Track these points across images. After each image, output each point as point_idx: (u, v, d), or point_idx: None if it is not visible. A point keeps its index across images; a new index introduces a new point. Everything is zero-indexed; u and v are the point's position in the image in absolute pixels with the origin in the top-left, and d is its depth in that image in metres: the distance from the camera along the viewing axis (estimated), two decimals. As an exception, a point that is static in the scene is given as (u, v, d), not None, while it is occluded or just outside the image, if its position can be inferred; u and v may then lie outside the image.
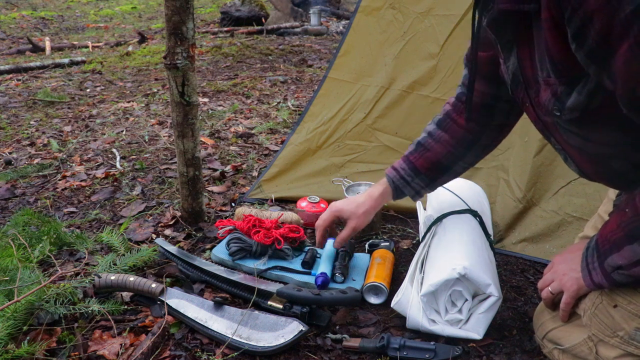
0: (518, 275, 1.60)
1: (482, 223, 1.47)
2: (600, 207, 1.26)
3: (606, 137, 0.91)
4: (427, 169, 1.35)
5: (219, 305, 1.37)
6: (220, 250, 1.65)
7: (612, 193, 1.21)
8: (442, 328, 1.28)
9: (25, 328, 1.27)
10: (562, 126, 0.93)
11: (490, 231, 1.54)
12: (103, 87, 4.22)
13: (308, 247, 1.68)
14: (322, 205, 1.88)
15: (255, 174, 2.37)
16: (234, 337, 1.27)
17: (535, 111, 1.00)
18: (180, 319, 1.36)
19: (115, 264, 1.54)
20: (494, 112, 1.25)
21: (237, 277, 1.49)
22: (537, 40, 0.86)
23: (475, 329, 1.27)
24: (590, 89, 0.82)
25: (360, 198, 1.43)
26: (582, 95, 0.83)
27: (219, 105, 3.56)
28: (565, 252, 1.14)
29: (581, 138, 0.94)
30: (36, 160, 2.60)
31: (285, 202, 2.04)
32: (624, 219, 0.91)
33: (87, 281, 1.42)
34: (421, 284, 1.33)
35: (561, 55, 0.81)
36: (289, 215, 1.79)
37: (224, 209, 2.03)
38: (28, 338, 1.25)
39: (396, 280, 1.53)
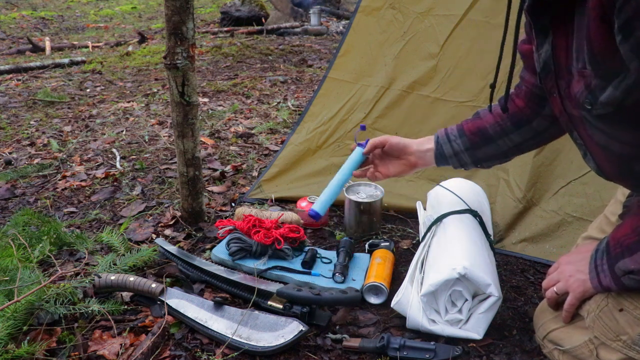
0: (518, 275, 1.60)
1: (482, 223, 1.47)
2: (607, 207, 1.25)
3: (634, 138, 0.89)
4: (472, 133, 1.30)
5: (219, 305, 1.37)
6: (220, 250, 1.65)
7: (621, 195, 1.20)
8: (442, 328, 1.28)
9: (25, 328, 1.27)
10: (589, 121, 0.91)
11: (490, 231, 1.54)
12: (103, 87, 4.22)
13: (308, 247, 1.68)
14: (322, 205, 1.88)
15: (255, 174, 2.37)
16: (234, 337, 1.27)
17: (562, 103, 0.98)
18: (180, 319, 1.36)
19: (115, 264, 1.54)
20: (542, 102, 1.20)
21: (237, 277, 1.49)
22: (578, 29, 0.84)
23: (475, 329, 1.27)
24: (628, 84, 0.79)
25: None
26: (618, 91, 0.81)
27: (219, 105, 3.56)
28: (573, 253, 1.13)
29: (607, 136, 0.92)
30: (36, 160, 2.60)
31: (285, 202, 2.04)
32: None
33: (87, 281, 1.42)
34: (421, 284, 1.33)
35: (602, 46, 0.79)
36: (289, 215, 1.80)
37: (224, 209, 2.03)
38: (28, 338, 1.25)
39: (396, 280, 1.53)
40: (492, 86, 1.18)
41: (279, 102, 3.60)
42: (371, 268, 1.53)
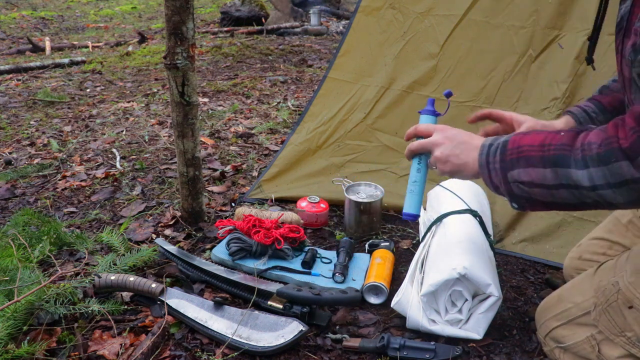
0: (518, 275, 1.60)
1: (482, 223, 1.47)
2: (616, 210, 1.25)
3: None
4: (614, 108, 1.22)
5: (219, 305, 1.37)
6: (220, 250, 1.65)
7: None
8: (442, 328, 1.28)
9: (25, 328, 1.27)
10: (635, 83, 0.92)
11: (490, 231, 1.54)
12: (103, 87, 4.22)
13: (308, 247, 1.68)
14: (322, 205, 1.88)
15: (255, 174, 2.37)
16: (234, 337, 1.27)
17: (620, 63, 0.99)
18: (180, 319, 1.36)
19: (115, 264, 1.54)
20: None
21: (237, 277, 1.49)
22: None
23: (475, 329, 1.27)
24: None
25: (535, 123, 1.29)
26: None
27: (219, 105, 3.56)
28: (455, 130, 1.08)
29: None
30: (36, 160, 2.60)
31: (285, 202, 2.04)
32: (552, 142, 0.88)
33: (87, 281, 1.42)
34: (421, 284, 1.33)
35: None
36: (289, 215, 1.80)
37: (224, 209, 2.03)
38: (28, 338, 1.25)
39: (396, 280, 1.53)
40: (590, 39, 1.18)
41: (279, 102, 3.60)
42: (371, 268, 1.53)
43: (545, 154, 0.88)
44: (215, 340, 1.30)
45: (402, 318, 1.34)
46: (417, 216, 1.19)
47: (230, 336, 1.28)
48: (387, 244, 1.67)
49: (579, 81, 1.70)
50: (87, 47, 6.19)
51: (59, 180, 2.37)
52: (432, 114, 1.21)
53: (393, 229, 1.87)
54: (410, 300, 1.31)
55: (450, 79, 1.95)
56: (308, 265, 1.57)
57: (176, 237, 1.82)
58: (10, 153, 2.73)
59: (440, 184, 1.69)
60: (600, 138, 0.81)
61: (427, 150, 1.10)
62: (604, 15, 1.12)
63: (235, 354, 1.25)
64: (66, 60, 5.10)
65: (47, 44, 6.06)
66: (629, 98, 0.99)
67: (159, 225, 1.90)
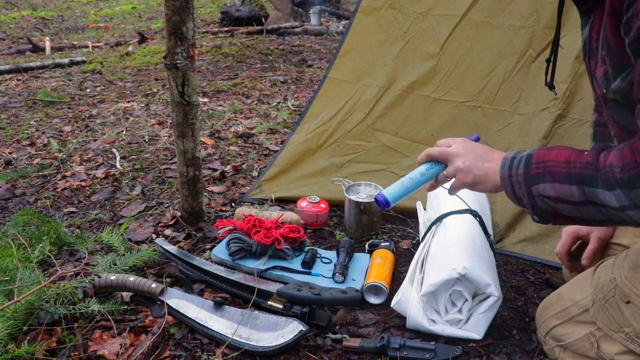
0: (518, 275, 1.60)
1: (482, 223, 1.47)
2: None
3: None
4: None
5: (219, 305, 1.37)
6: (220, 250, 1.65)
7: None
8: (442, 328, 1.28)
9: (25, 328, 1.27)
10: (610, 101, 0.96)
11: (490, 231, 1.54)
12: (103, 87, 4.22)
13: (308, 247, 1.68)
14: (322, 205, 1.88)
15: (255, 174, 2.37)
16: (234, 337, 1.27)
17: (592, 82, 1.03)
18: (180, 319, 1.36)
19: (115, 264, 1.54)
20: None
21: (237, 277, 1.49)
22: (604, 20, 0.89)
23: (475, 329, 1.27)
24: (632, 78, 0.85)
25: None
26: (625, 83, 0.88)
27: (219, 105, 3.56)
28: (474, 143, 1.11)
29: (622, 117, 0.96)
30: (36, 160, 2.60)
31: (285, 202, 2.04)
32: (578, 160, 0.90)
33: (87, 281, 1.42)
34: (421, 284, 1.33)
35: (614, 40, 0.85)
36: (289, 215, 1.80)
37: (224, 209, 2.03)
38: (28, 338, 1.25)
39: (396, 280, 1.53)
40: (548, 61, 1.22)
41: (279, 102, 3.60)
42: (371, 268, 1.53)
43: (572, 171, 0.90)
44: (215, 340, 1.30)
45: (402, 318, 1.34)
46: (388, 204, 1.15)
47: (230, 336, 1.28)
48: (387, 244, 1.67)
49: (579, 81, 1.70)
50: (87, 47, 6.19)
51: (59, 180, 2.37)
52: None
53: (393, 229, 1.87)
54: (410, 300, 1.31)
55: (450, 79, 1.95)
56: (308, 265, 1.57)
57: (176, 237, 1.82)
58: (10, 153, 2.73)
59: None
60: (621, 162, 0.83)
61: (445, 159, 1.11)
62: (558, 39, 1.16)
63: (235, 354, 1.25)
64: (66, 60, 5.10)
65: (47, 44, 6.06)
66: (607, 113, 1.03)
67: (159, 225, 1.90)
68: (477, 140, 1.16)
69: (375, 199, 1.18)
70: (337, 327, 1.36)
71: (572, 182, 0.89)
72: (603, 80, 0.93)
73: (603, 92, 0.94)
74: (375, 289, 1.45)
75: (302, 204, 1.89)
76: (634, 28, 0.78)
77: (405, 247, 1.75)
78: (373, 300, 1.46)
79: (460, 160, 1.06)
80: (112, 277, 1.43)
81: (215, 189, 2.21)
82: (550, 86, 1.24)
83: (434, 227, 1.51)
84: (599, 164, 0.86)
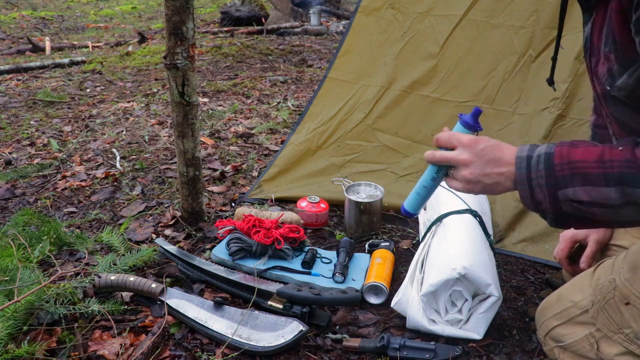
0: (518, 275, 1.60)
1: (482, 223, 1.48)
2: None
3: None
4: None
5: (219, 305, 1.37)
6: (220, 250, 1.65)
7: None
8: (442, 328, 1.28)
9: (25, 328, 1.27)
10: (611, 99, 0.93)
11: (490, 231, 1.54)
12: (103, 87, 4.22)
13: (308, 247, 1.68)
14: (322, 205, 1.88)
15: (255, 174, 2.37)
16: (234, 337, 1.27)
17: (592, 80, 1.01)
18: (180, 319, 1.36)
19: (115, 264, 1.54)
20: None
21: (237, 277, 1.49)
22: (609, 16, 0.88)
23: (475, 329, 1.27)
24: (639, 74, 0.83)
25: None
26: (632, 79, 0.85)
27: (219, 105, 3.56)
28: (483, 143, 0.95)
29: (624, 115, 0.94)
30: (36, 160, 2.60)
31: (285, 202, 2.04)
32: (614, 158, 0.83)
33: (87, 281, 1.42)
34: (421, 284, 1.33)
35: (622, 36, 0.84)
36: (289, 215, 1.80)
37: (224, 209, 2.03)
38: (28, 338, 1.25)
39: (396, 280, 1.53)
40: (554, 59, 1.20)
41: (279, 102, 3.60)
42: (371, 268, 1.53)
43: (608, 170, 0.83)
44: (215, 340, 1.30)
45: (402, 318, 1.34)
46: (413, 215, 1.12)
47: (230, 336, 1.28)
48: (387, 244, 1.67)
49: (579, 81, 1.70)
50: (87, 47, 6.19)
51: (59, 180, 2.37)
52: (469, 128, 1.01)
53: (393, 229, 1.87)
54: (410, 300, 1.31)
55: (450, 79, 1.95)
56: (308, 265, 1.57)
57: (176, 237, 1.82)
58: (10, 153, 2.73)
59: (440, 184, 1.69)
60: None
61: (451, 164, 0.99)
62: (560, 36, 1.15)
63: (235, 354, 1.25)
64: (66, 60, 5.09)
65: (47, 44, 6.06)
66: (606, 111, 1.02)
67: (159, 225, 1.90)
68: (478, 113, 1.00)
69: (402, 212, 1.13)
70: (337, 327, 1.36)
71: (610, 184, 0.82)
72: (607, 77, 0.91)
73: (606, 88, 0.92)
74: (375, 289, 1.45)
75: (302, 204, 1.89)
76: None
77: (405, 247, 1.75)
78: (373, 300, 1.46)
79: (468, 170, 0.95)
80: (112, 277, 1.43)
81: (215, 189, 2.21)
82: (550, 82, 1.22)
83: (434, 227, 1.51)
84: (638, 161, 0.80)
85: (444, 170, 1.02)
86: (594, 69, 0.98)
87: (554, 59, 1.21)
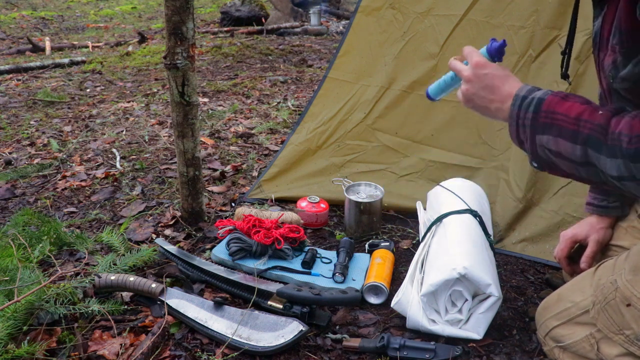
0: (518, 275, 1.60)
1: (482, 223, 1.47)
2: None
3: None
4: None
5: (219, 305, 1.37)
6: (220, 250, 1.65)
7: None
8: (442, 328, 1.28)
9: (25, 328, 1.27)
10: (616, 94, 0.95)
11: (490, 231, 1.54)
12: (103, 87, 4.22)
13: (308, 247, 1.68)
14: (322, 205, 1.88)
15: (255, 174, 2.37)
16: (234, 337, 1.27)
17: (599, 75, 1.03)
18: (180, 319, 1.36)
19: (115, 264, 1.54)
20: None
21: (237, 277, 1.49)
22: (619, 7, 0.89)
23: (475, 329, 1.27)
24: None
25: (592, 219, 1.31)
26: (636, 68, 0.87)
27: (219, 105, 3.56)
28: (489, 69, 1.02)
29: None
30: (36, 160, 2.60)
31: (285, 202, 2.04)
32: (589, 120, 0.85)
33: (87, 281, 1.42)
34: (421, 284, 1.33)
35: (628, 26, 0.85)
36: (289, 215, 1.80)
37: (224, 209, 2.03)
38: (28, 338, 1.25)
39: (396, 280, 1.53)
40: (563, 53, 1.21)
41: (279, 102, 3.60)
42: (371, 268, 1.53)
43: (580, 129, 0.85)
44: (215, 340, 1.30)
45: (402, 318, 1.34)
46: (433, 99, 1.24)
47: (230, 336, 1.28)
48: (387, 244, 1.67)
49: (579, 81, 1.70)
50: (87, 47, 6.19)
51: (59, 180, 2.37)
52: (490, 55, 1.07)
53: (393, 229, 1.87)
54: (410, 300, 1.31)
55: (450, 79, 1.95)
56: (308, 265, 1.57)
57: (176, 237, 1.82)
58: (10, 153, 2.73)
59: (440, 184, 1.69)
60: (631, 132, 0.79)
61: (457, 75, 1.10)
62: (574, 32, 1.16)
63: (235, 354, 1.25)
64: (66, 60, 5.09)
65: (47, 44, 6.06)
66: None
67: (159, 225, 1.90)
68: (503, 45, 1.05)
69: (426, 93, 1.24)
70: (337, 327, 1.36)
71: (577, 142, 0.85)
72: (611, 69, 0.92)
73: (610, 81, 0.93)
74: (375, 289, 1.45)
75: (302, 204, 1.89)
76: None
77: (405, 247, 1.75)
78: (373, 300, 1.46)
79: (465, 86, 1.04)
80: (112, 277, 1.43)
81: (215, 189, 2.21)
82: (565, 76, 1.23)
83: (434, 227, 1.51)
84: (609, 129, 0.82)
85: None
86: (601, 63, 0.98)
87: (568, 54, 1.21)
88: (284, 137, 2.79)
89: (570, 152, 0.87)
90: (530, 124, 0.92)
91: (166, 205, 2.06)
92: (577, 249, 1.30)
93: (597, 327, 1.02)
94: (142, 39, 6.32)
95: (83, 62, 5.15)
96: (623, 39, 0.87)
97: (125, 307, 1.41)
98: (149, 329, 1.33)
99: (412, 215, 1.84)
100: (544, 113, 0.90)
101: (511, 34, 1.84)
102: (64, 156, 2.65)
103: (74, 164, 2.55)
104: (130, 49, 5.85)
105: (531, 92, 0.94)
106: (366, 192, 1.86)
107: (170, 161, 2.55)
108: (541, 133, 0.90)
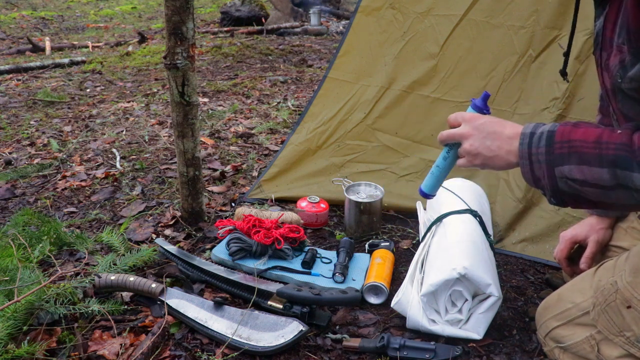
0: (518, 275, 1.60)
1: (482, 223, 1.47)
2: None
3: None
4: None
5: (219, 305, 1.37)
6: (220, 250, 1.65)
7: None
8: (442, 328, 1.28)
9: (25, 328, 1.27)
10: (621, 94, 0.93)
11: (490, 231, 1.54)
12: (103, 87, 4.21)
13: (308, 247, 1.68)
14: (322, 205, 1.88)
15: (255, 174, 2.37)
16: (234, 337, 1.27)
17: (602, 75, 1.00)
18: (180, 319, 1.36)
19: (115, 264, 1.54)
20: None
21: (237, 277, 1.49)
22: (624, 6, 0.87)
23: (475, 329, 1.27)
24: None
25: (592, 219, 1.30)
26: None
27: (219, 105, 3.56)
28: (484, 119, 1.01)
29: (635, 111, 0.93)
30: (36, 160, 2.60)
31: (285, 202, 2.04)
32: (610, 140, 0.84)
33: (87, 281, 1.42)
34: (421, 284, 1.33)
35: (636, 25, 0.83)
36: (289, 215, 1.80)
37: (224, 209, 2.03)
38: (28, 338, 1.25)
39: (396, 280, 1.53)
40: (566, 54, 1.20)
41: (279, 102, 3.60)
42: (371, 268, 1.53)
43: (603, 152, 0.84)
44: (215, 340, 1.30)
45: (402, 318, 1.34)
46: (429, 195, 1.17)
47: (230, 336, 1.28)
48: (387, 244, 1.67)
49: (579, 81, 1.70)
50: (87, 47, 6.19)
51: (59, 180, 2.37)
52: (478, 110, 1.08)
53: (393, 229, 1.87)
54: (410, 300, 1.31)
55: (450, 79, 1.95)
56: (308, 265, 1.57)
57: (176, 237, 1.82)
58: (10, 153, 2.73)
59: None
60: None
61: (455, 140, 1.05)
62: (574, 32, 1.14)
63: (235, 354, 1.25)
64: (66, 60, 5.09)
65: (47, 44, 6.06)
66: (614, 107, 1.02)
67: (159, 225, 1.90)
68: (486, 97, 1.07)
69: (419, 193, 1.20)
70: (337, 327, 1.36)
71: (603, 165, 0.83)
72: (619, 69, 0.90)
73: (617, 81, 0.91)
74: (375, 289, 1.45)
75: (302, 204, 1.89)
76: None
77: (405, 247, 1.75)
78: (373, 300, 1.46)
79: (468, 143, 1.00)
80: (112, 277, 1.43)
81: (215, 189, 2.21)
82: (563, 73, 1.22)
83: (434, 227, 1.51)
84: (634, 145, 0.81)
85: (455, 150, 1.08)
86: (605, 63, 0.97)
87: (567, 54, 1.20)
88: (284, 137, 2.79)
89: (597, 177, 0.84)
90: (545, 158, 0.89)
91: (166, 205, 2.06)
92: (576, 249, 1.30)
93: (597, 329, 1.02)
94: (142, 39, 6.32)
95: (83, 62, 5.15)
96: (631, 38, 0.85)
97: (125, 307, 1.41)
98: (149, 329, 1.33)
99: (412, 215, 1.84)
100: (558, 144, 0.89)
101: (511, 34, 1.84)
102: (64, 156, 2.65)
103: (74, 164, 2.55)
104: (130, 49, 5.85)
105: (537, 127, 0.94)
106: (366, 192, 1.86)
107: (170, 161, 2.55)
108: (560, 164, 0.88)
